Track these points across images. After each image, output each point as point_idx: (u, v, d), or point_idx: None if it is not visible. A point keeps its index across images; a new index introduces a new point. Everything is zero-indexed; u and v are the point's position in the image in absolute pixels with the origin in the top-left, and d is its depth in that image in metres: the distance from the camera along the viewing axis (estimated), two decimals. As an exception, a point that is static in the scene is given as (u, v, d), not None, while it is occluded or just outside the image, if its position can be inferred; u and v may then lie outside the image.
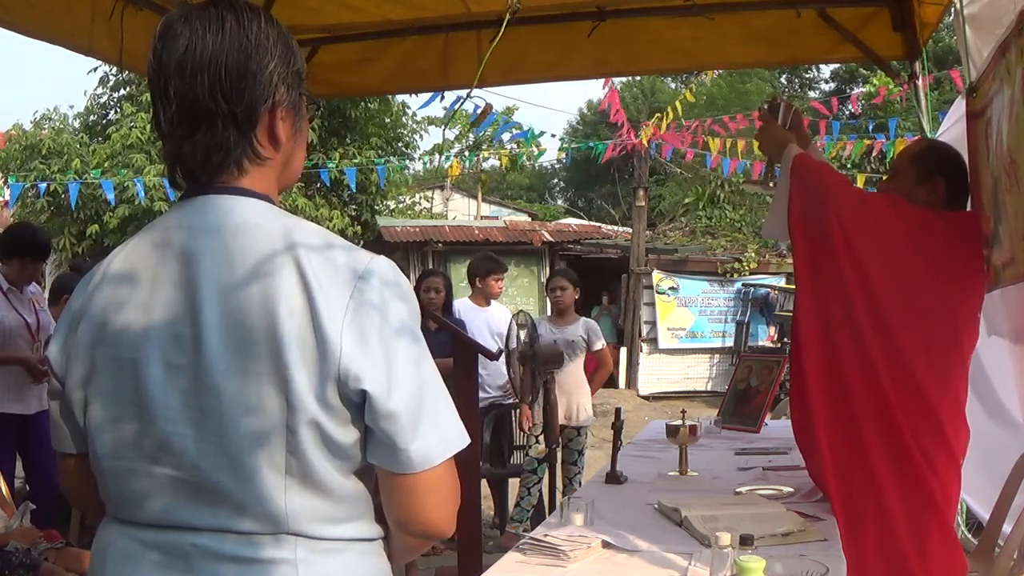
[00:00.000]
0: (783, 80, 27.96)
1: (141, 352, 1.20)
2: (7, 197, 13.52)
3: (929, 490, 2.45)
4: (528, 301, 14.39)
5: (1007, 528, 3.11)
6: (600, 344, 5.67)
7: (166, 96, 1.22)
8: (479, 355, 3.74)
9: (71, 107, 24.90)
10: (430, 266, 14.16)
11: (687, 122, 13.08)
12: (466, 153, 17.33)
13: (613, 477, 2.94)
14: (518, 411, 5.80)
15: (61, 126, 15.31)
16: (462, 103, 4.20)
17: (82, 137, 14.73)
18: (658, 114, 13.45)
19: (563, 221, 18.79)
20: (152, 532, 1.21)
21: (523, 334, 3.73)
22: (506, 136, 13.42)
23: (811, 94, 26.32)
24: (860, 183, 10.94)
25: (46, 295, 5.23)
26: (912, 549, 2.44)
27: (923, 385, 2.46)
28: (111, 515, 1.27)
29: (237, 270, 1.18)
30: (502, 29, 2.54)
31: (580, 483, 5.25)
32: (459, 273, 12.24)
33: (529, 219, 20.04)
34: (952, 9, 3.48)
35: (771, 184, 2.90)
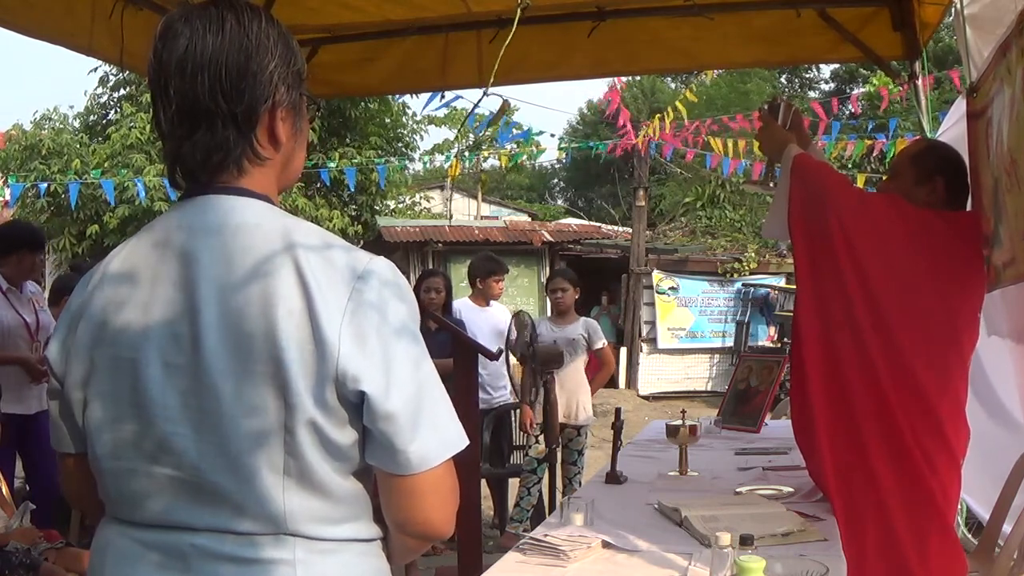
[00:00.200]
0: (783, 80, 27.97)
1: (140, 352, 1.20)
2: (7, 197, 13.53)
3: (929, 490, 2.45)
4: (528, 301, 14.39)
5: (1007, 528, 3.11)
6: (601, 343, 5.67)
7: (166, 96, 1.22)
8: (479, 355, 3.74)
9: (71, 107, 24.90)
10: (430, 266, 14.16)
11: (687, 122, 13.07)
12: (466, 153, 17.33)
13: (613, 477, 2.94)
14: (518, 411, 5.80)
15: (61, 126, 15.31)
16: (476, 104, 4.19)
17: (82, 137, 14.73)
18: (658, 114, 13.45)
19: (563, 221, 18.80)
20: (151, 532, 1.21)
21: (525, 333, 3.73)
22: (509, 142, 13.42)
23: (811, 94, 26.33)
24: (860, 183, 10.93)
25: (46, 295, 5.23)
26: (912, 549, 2.44)
27: (923, 385, 2.46)
28: (110, 515, 1.27)
29: (236, 270, 1.18)
30: (514, 25, 2.55)
31: (580, 483, 5.25)
32: (459, 273, 12.25)
33: (529, 219, 20.05)
34: (952, 9, 3.48)
35: (771, 184, 2.91)
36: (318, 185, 14.78)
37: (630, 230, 15.21)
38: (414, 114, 16.93)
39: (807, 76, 28.77)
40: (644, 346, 14.40)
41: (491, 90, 3.58)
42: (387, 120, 16.20)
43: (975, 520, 4.29)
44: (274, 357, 1.14)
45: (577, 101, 61.32)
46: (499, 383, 5.75)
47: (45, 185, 12.84)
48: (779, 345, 12.75)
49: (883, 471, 2.45)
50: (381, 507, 1.23)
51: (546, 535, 2.18)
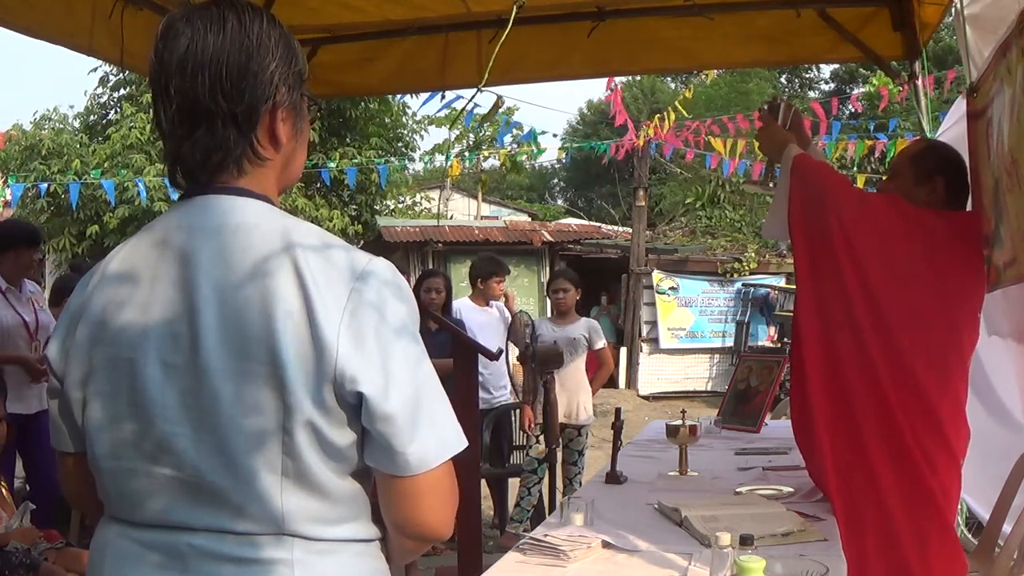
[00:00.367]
0: (783, 80, 27.97)
1: (139, 352, 1.20)
2: (8, 197, 13.52)
3: (929, 490, 2.45)
4: (528, 301, 14.39)
5: (1007, 528, 3.11)
6: (601, 343, 5.67)
7: (167, 95, 1.22)
8: (479, 355, 3.74)
9: (71, 107, 24.91)
10: (430, 266, 14.16)
11: (687, 122, 13.07)
12: (466, 153, 17.32)
13: (613, 477, 2.94)
14: (518, 411, 5.80)
15: (61, 126, 15.30)
16: (470, 101, 4.19)
17: (82, 137, 14.73)
18: (658, 114, 13.45)
19: (563, 221, 18.79)
20: (150, 532, 1.21)
21: (525, 333, 3.73)
22: (508, 139, 13.41)
23: (811, 94, 26.33)
24: (860, 183, 10.93)
25: (46, 296, 5.22)
26: (912, 549, 2.44)
27: (923, 385, 2.46)
28: (109, 515, 1.27)
29: (235, 270, 1.18)
30: (510, 22, 2.54)
31: (580, 483, 5.25)
32: (459, 273, 12.24)
33: (529, 219, 20.04)
34: (952, 9, 3.48)
35: (771, 184, 2.90)
36: (318, 185, 14.78)
37: (630, 230, 15.21)
38: (414, 114, 16.95)
39: (807, 76, 28.78)
40: (644, 346, 14.39)
41: (486, 88, 3.57)
42: (387, 120, 16.20)
43: (975, 520, 4.29)
44: (272, 358, 1.14)
45: (577, 101, 61.35)
46: (499, 383, 5.76)
47: (45, 185, 12.83)
48: (779, 345, 12.75)
49: (883, 471, 2.45)
50: (380, 507, 1.23)
51: (546, 535, 2.18)
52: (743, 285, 14.55)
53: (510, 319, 5.66)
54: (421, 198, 20.83)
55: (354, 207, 15.88)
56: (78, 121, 15.79)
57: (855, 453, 2.48)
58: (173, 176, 1.27)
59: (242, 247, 1.19)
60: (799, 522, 2.25)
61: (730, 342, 14.37)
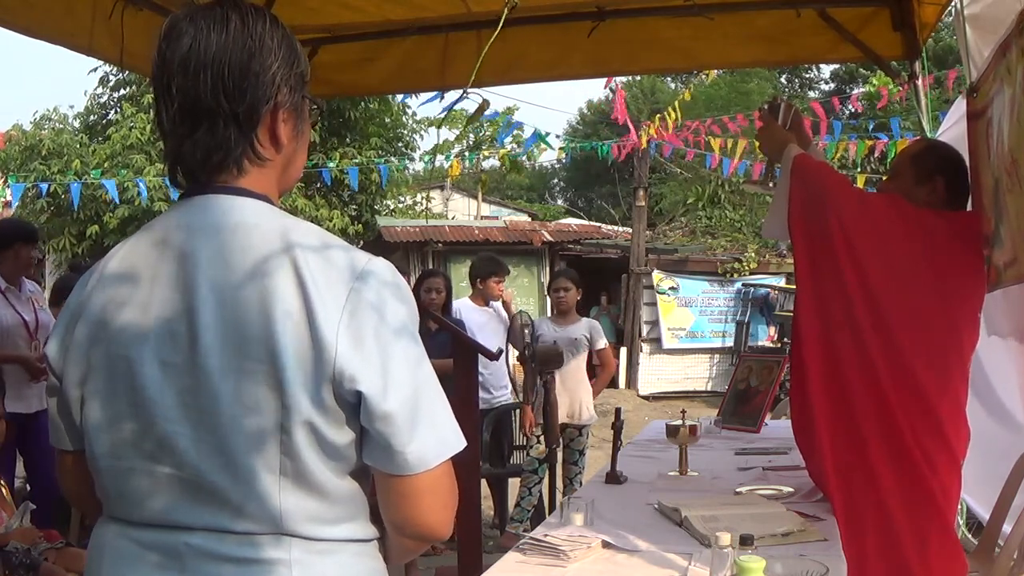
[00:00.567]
0: (783, 80, 27.97)
1: (137, 351, 1.20)
2: (8, 197, 13.52)
3: (929, 490, 2.45)
4: (528, 301, 14.39)
5: (1007, 528, 3.11)
6: (602, 343, 5.68)
7: (169, 94, 1.22)
8: (480, 355, 3.74)
9: (71, 107, 24.90)
10: (430, 266, 14.15)
11: (687, 122, 13.07)
12: (466, 153, 17.32)
13: (613, 477, 2.94)
14: (519, 411, 5.80)
15: (61, 126, 15.30)
16: (457, 101, 4.19)
17: (82, 138, 14.72)
18: (659, 114, 13.45)
19: (563, 221, 18.79)
20: (149, 532, 1.21)
21: (525, 333, 3.73)
22: (508, 139, 13.40)
23: (811, 94, 26.34)
24: (860, 183, 10.93)
25: (46, 296, 5.22)
26: (912, 549, 2.44)
27: (923, 385, 2.46)
28: (108, 514, 1.28)
29: (234, 270, 1.18)
30: (501, 22, 2.54)
31: (580, 483, 5.25)
32: (459, 273, 12.24)
33: (529, 219, 20.04)
34: (952, 9, 3.48)
35: (771, 184, 2.90)
36: (318, 185, 14.78)
37: (630, 230, 15.21)
38: (414, 114, 16.95)
39: (807, 76, 28.79)
40: (645, 346, 14.40)
41: (485, 90, 3.57)
42: (387, 120, 16.20)
43: (975, 520, 4.29)
44: (271, 357, 1.14)
45: (577, 101, 61.35)
46: (500, 383, 5.76)
47: (45, 185, 12.83)
48: (779, 345, 12.75)
49: (883, 471, 2.45)
50: (379, 507, 1.23)
51: (546, 535, 2.18)
52: (743, 285, 14.55)
53: (508, 320, 5.67)
54: (422, 198, 20.83)
55: (354, 207, 15.88)
56: (78, 121, 15.79)
57: (855, 453, 2.48)
58: (173, 175, 1.27)
59: (241, 246, 1.19)
60: (799, 522, 2.25)
61: (730, 342, 14.37)
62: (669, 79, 27.91)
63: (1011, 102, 2.49)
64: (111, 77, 15.10)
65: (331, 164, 13.31)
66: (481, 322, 5.75)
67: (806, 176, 2.58)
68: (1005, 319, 3.08)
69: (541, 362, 3.47)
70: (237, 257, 1.18)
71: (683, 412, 3.12)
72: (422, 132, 17.60)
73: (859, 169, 12.96)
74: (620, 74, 9.61)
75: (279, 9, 3.63)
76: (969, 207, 2.81)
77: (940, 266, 2.52)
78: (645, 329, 14.41)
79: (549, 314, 6.02)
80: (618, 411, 3.19)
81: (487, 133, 17.33)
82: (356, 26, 4.25)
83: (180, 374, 1.18)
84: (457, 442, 1.21)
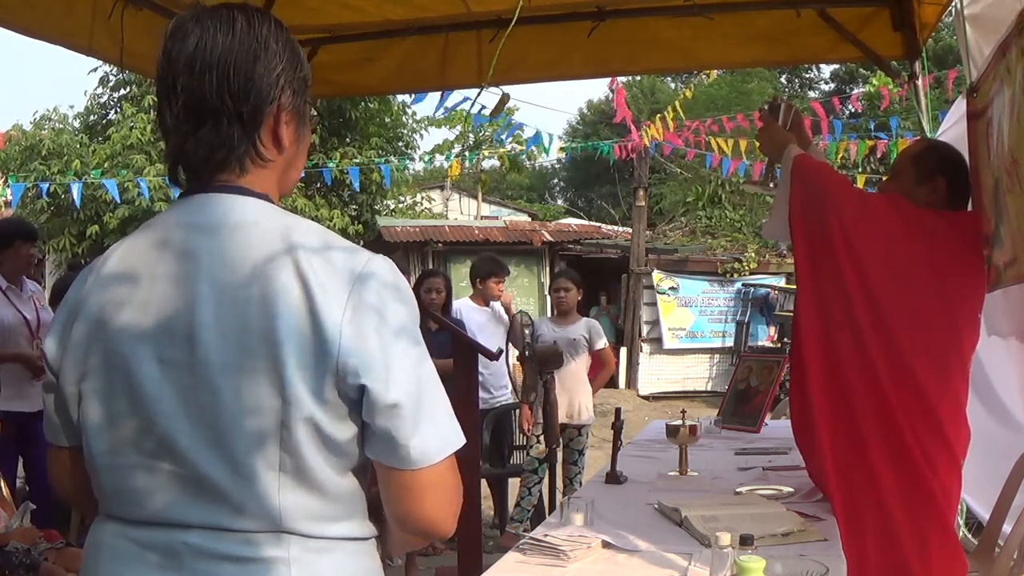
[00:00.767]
0: (783, 80, 27.97)
1: (137, 349, 1.20)
2: (8, 198, 13.52)
3: (929, 490, 2.45)
4: (528, 301, 14.39)
5: (1007, 528, 3.11)
6: (602, 343, 5.67)
7: (174, 92, 1.23)
8: (480, 355, 3.74)
9: (71, 107, 24.86)
10: (430, 266, 14.15)
11: (688, 122, 13.07)
12: (466, 153, 17.31)
13: (613, 477, 2.94)
14: (518, 411, 5.80)
15: (61, 126, 15.29)
16: (475, 101, 4.19)
17: (82, 138, 14.72)
18: (659, 114, 13.45)
19: (563, 221, 18.78)
20: (147, 530, 1.21)
21: (525, 333, 3.73)
22: (509, 139, 13.40)
23: (811, 94, 26.34)
24: (860, 183, 10.94)
25: (46, 295, 5.22)
26: (912, 549, 2.44)
27: (923, 385, 2.46)
28: (104, 513, 1.28)
29: (235, 268, 1.18)
30: (515, 17, 2.54)
31: (580, 483, 5.25)
32: (459, 273, 12.24)
33: (529, 219, 20.03)
34: (952, 9, 3.48)
35: (771, 184, 2.91)
36: (318, 185, 14.77)
37: (630, 230, 15.21)
38: (414, 113, 16.93)
39: (807, 76, 28.79)
40: (645, 346, 14.40)
41: (485, 90, 3.57)
42: (387, 120, 16.19)
43: (975, 520, 4.29)
44: (273, 354, 1.14)
45: (577, 101, 61.34)
46: (500, 383, 5.76)
47: (45, 185, 12.83)
48: (779, 345, 12.75)
49: (883, 471, 2.45)
50: (382, 502, 1.23)
51: (546, 535, 2.18)
52: (743, 285, 14.55)
53: (507, 321, 5.66)
54: (422, 198, 20.83)
55: (354, 207, 15.87)
56: (78, 121, 15.77)
57: (855, 453, 2.48)
58: (175, 174, 1.28)
59: (241, 245, 1.19)
60: (799, 522, 2.25)
61: (730, 342, 14.37)
62: (669, 79, 27.93)
63: (1011, 102, 2.49)
64: (111, 77, 15.08)
65: (331, 164, 13.31)
66: (481, 322, 5.75)
67: (806, 176, 2.58)
68: (1005, 319, 3.08)
69: (541, 362, 3.47)
70: (238, 255, 1.19)
71: (683, 412, 3.12)
72: (422, 132, 17.59)
73: (859, 169, 12.97)
74: (620, 74, 9.62)
75: (279, 9, 3.63)
76: (969, 207, 2.81)
77: (940, 266, 2.52)
78: (645, 329, 14.41)
79: (549, 314, 6.02)
80: (618, 411, 3.19)
81: (487, 133, 17.30)
82: (356, 26, 4.26)
83: (180, 372, 1.18)
84: (457, 439, 1.22)
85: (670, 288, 14.44)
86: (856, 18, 4.06)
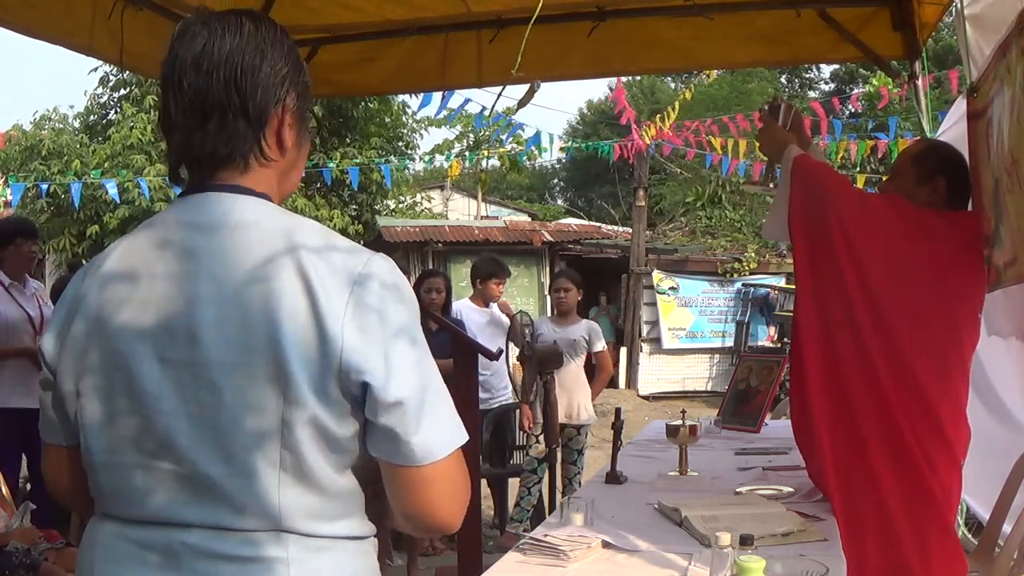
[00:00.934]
0: (783, 80, 27.97)
1: (136, 347, 1.20)
2: (8, 198, 13.52)
3: (929, 490, 2.45)
4: (528, 301, 14.38)
5: (1007, 528, 3.11)
6: (600, 345, 5.67)
7: (180, 90, 1.24)
8: (480, 355, 3.74)
9: (71, 107, 24.85)
10: (430, 266, 14.15)
11: (688, 122, 13.07)
12: (466, 153, 17.30)
13: (613, 477, 2.94)
14: (518, 411, 5.80)
15: (61, 126, 15.28)
16: (503, 90, 4.17)
17: (82, 138, 14.71)
18: (659, 114, 13.45)
19: (563, 221, 18.78)
20: (145, 530, 1.21)
21: (525, 333, 3.73)
22: (509, 140, 13.39)
23: (811, 94, 26.34)
24: (860, 183, 10.94)
25: (47, 294, 5.22)
26: (912, 549, 2.44)
27: (923, 385, 2.46)
28: (101, 512, 1.28)
29: (235, 267, 1.18)
30: (534, 15, 2.54)
31: (580, 483, 5.25)
32: (459, 273, 12.24)
33: (529, 219, 20.03)
34: (952, 9, 3.48)
35: (771, 184, 2.91)
36: (318, 185, 14.77)
37: (630, 230, 15.21)
38: (414, 113, 16.93)
39: (807, 76, 28.79)
40: (645, 346, 14.39)
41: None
42: (387, 120, 16.18)
43: (975, 520, 4.29)
44: (274, 352, 1.15)
45: (577, 101, 61.35)
46: (500, 383, 5.76)
47: (45, 185, 12.82)
48: (779, 345, 12.75)
49: (883, 471, 2.45)
50: (388, 499, 1.23)
51: (546, 535, 2.18)
52: (743, 285, 14.55)
53: (507, 324, 5.66)
54: (422, 198, 20.83)
55: (354, 207, 15.86)
56: (78, 121, 15.76)
57: (855, 453, 2.48)
58: (176, 171, 1.28)
59: (242, 244, 1.20)
60: (799, 522, 2.25)
61: (730, 342, 14.37)
62: (669, 79, 27.93)
63: (1011, 102, 2.49)
64: (111, 77, 15.07)
65: (331, 164, 13.30)
66: (481, 323, 5.76)
67: (806, 176, 2.58)
68: (1005, 319, 3.08)
69: (541, 362, 3.48)
70: (238, 254, 1.19)
71: (683, 412, 3.12)
72: (422, 132, 17.58)
73: (859, 169, 12.96)
74: (620, 74, 9.61)
75: (279, 9, 3.64)
76: (969, 207, 2.81)
77: (940, 266, 2.52)
78: (645, 329, 14.41)
79: (549, 314, 6.01)
80: (618, 411, 3.19)
81: (486, 133, 17.30)
82: (356, 26, 4.26)
83: (180, 371, 1.18)
84: (461, 435, 1.22)
85: (670, 288, 14.44)
86: (856, 18, 4.06)
